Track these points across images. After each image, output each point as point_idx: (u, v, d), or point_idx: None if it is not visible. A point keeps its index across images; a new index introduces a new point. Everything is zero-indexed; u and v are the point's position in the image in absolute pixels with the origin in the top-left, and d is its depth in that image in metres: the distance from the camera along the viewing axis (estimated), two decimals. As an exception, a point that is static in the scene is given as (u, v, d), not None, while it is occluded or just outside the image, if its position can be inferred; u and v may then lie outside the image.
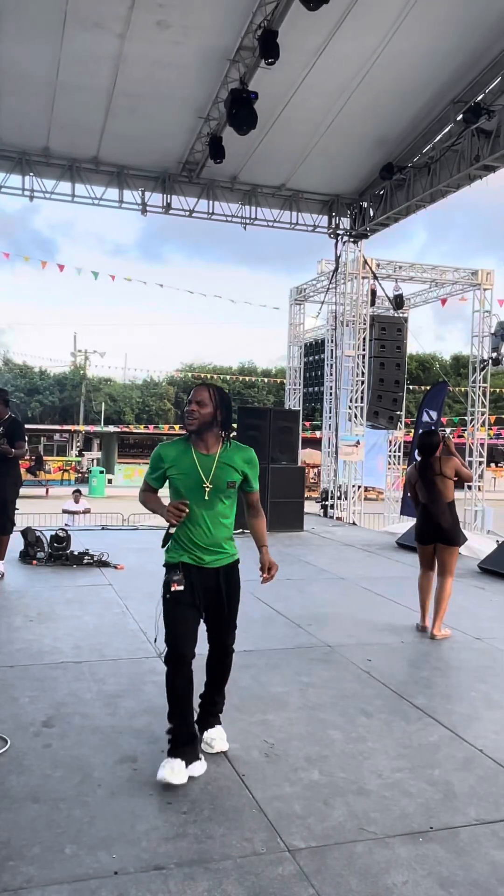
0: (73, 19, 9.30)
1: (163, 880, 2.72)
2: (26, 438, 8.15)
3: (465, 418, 20.33)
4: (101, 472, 39.14)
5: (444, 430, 7.67)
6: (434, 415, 17.49)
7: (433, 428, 7.87)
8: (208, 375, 57.80)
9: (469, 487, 16.28)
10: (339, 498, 16.62)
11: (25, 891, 2.63)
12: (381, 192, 14.09)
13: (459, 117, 11.27)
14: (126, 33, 9.58)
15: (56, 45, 9.81)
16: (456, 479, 6.40)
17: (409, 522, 14.13)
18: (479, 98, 10.87)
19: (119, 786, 3.43)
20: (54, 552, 8.96)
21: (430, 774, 3.67)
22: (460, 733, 4.20)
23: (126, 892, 2.64)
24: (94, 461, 45.87)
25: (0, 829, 3.03)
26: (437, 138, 12.25)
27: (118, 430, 48.17)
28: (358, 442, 16.26)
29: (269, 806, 3.29)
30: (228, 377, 58.84)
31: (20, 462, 8.33)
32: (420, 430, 9.13)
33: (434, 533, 6.40)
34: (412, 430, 18.46)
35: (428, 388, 21.28)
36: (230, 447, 3.78)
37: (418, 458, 6.62)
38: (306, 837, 3.05)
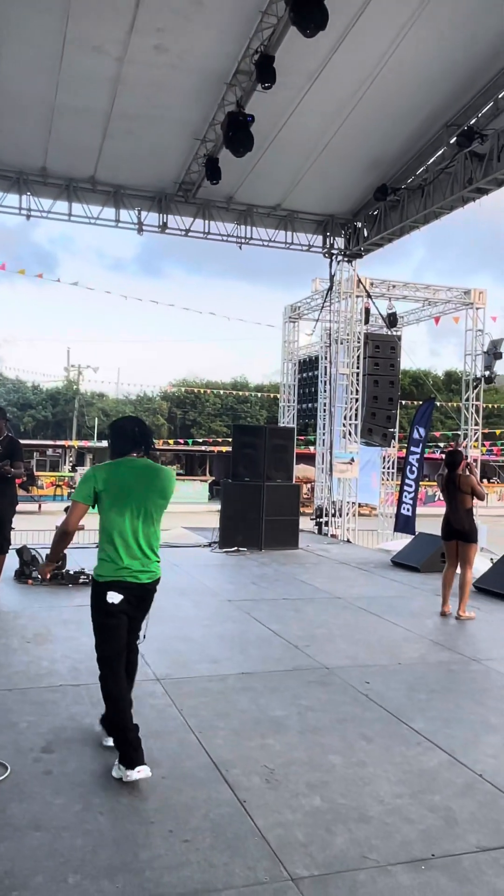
0: (73, 42, 9.39)
1: (167, 911, 2.72)
2: (23, 458, 8.14)
3: (458, 433, 20.42)
4: (95, 487, 39.00)
5: (465, 452, 8.58)
6: (423, 431, 17.60)
7: (457, 447, 8.84)
8: (201, 390, 57.88)
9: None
10: (334, 515, 16.64)
11: (30, 922, 2.63)
12: (375, 213, 14.21)
13: (453, 140, 11.39)
14: (124, 57, 9.67)
15: (55, 67, 9.89)
16: (471, 493, 8.02)
17: (404, 540, 14.17)
18: (471, 122, 11.00)
19: (121, 813, 3.43)
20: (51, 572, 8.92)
21: (431, 800, 3.68)
22: (460, 758, 4.21)
23: (131, 923, 2.64)
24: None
25: (2, 857, 3.02)
26: (431, 161, 12.38)
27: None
28: (352, 459, 16.28)
29: (270, 833, 3.29)
30: (222, 392, 58.90)
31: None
32: (446, 448, 9.48)
33: (454, 533, 8.12)
34: (405, 447, 18.50)
35: (419, 404, 21.38)
36: None
37: (445, 472, 8.36)
38: (309, 865, 3.06)
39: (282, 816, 3.46)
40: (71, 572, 8.96)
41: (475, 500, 8.17)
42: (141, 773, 3.67)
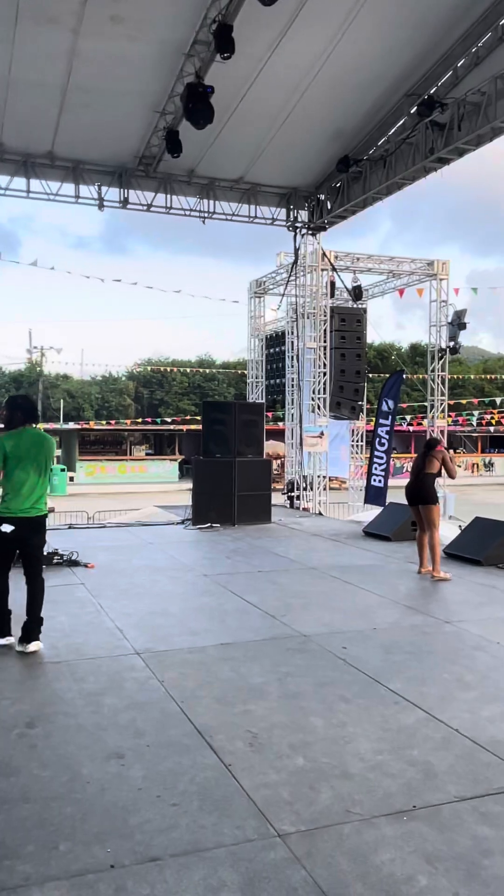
0: (26, 15, 9.18)
1: (159, 871, 2.77)
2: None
3: (425, 405, 20.62)
4: (63, 469, 38.71)
5: (446, 446, 8.83)
6: (391, 403, 17.74)
7: (436, 437, 9.17)
8: (167, 369, 57.52)
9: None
10: (305, 489, 16.77)
11: (24, 888, 2.66)
12: (338, 185, 14.19)
13: (413, 110, 11.42)
14: (80, 28, 9.49)
15: (8, 41, 9.67)
16: (437, 471, 8.55)
17: (375, 511, 14.34)
18: (432, 91, 11.03)
19: (108, 781, 3.46)
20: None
21: (410, 755, 3.78)
22: (436, 715, 4.32)
23: (124, 884, 2.68)
24: (55, 459, 45.33)
25: (-8, 830, 3.05)
26: (392, 131, 12.40)
27: (78, 427, 47.59)
28: (322, 433, 16.39)
29: (256, 793, 3.35)
30: (188, 370, 58.61)
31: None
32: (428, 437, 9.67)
33: (412, 498, 8.68)
34: (373, 420, 18.65)
35: (387, 377, 21.52)
36: None
37: (422, 451, 8.91)
38: (295, 822, 3.12)
39: (266, 777, 3.52)
40: (44, 553, 8.91)
41: (445, 477, 8.53)
42: (6, 640, 5.55)
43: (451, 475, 8.87)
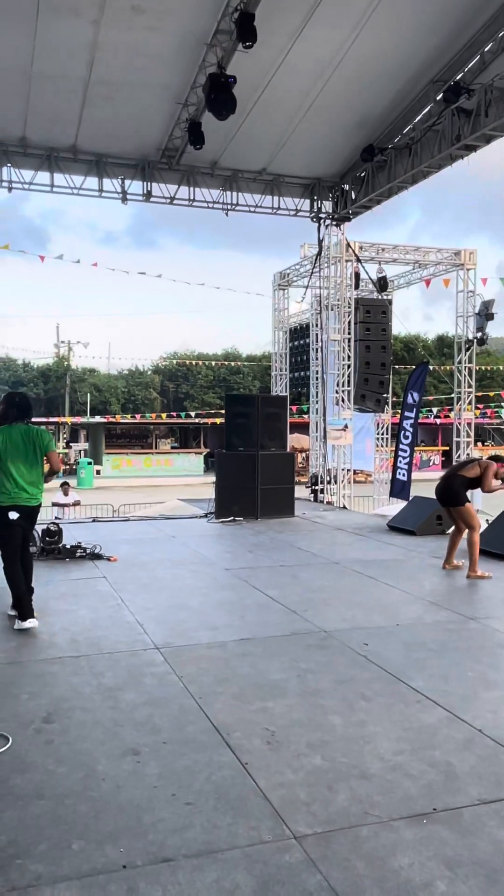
0: (47, 7, 9.17)
1: (171, 872, 2.73)
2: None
3: (452, 397, 20.38)
4: (89, 463, 39.04)
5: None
6: (417, 396, 17.53)
7: (500, 454, 8.69)
8: (193, 363, 57.61)
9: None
10: (329, 482, 16.66)
11: (35, 888, 2.63)
12: (363, 175, 14.02)
13: (439, 97, 11.22)
14: (101, 20, 9.46)
15: (30, 34, 9.67)
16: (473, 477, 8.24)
17: (400, 505, 14.20)
18: (458, 77, 10.82)
19: (123, 779, 3.43)
20: (46, 546, 8.92)
21: (431, 756, 3.70)
22: (459, 714, 4.24)
23: (135, 885, 2.65)
24: (82, 452, 45.67)
25: (6, 827, 3.03)
26: (418, 119, 12.20)
27: (104, 420, 47.93)
28: (346, 426, 16.27)
29: (273, 793, 3.31)
30: (213, 363, 58.65)
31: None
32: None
33: (442, 500, 8.54)
34: (398, 412, 18.47)
35: (413, 368, 21.31)
36: None
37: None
38: (311, 823, 3.07)
39: (283, 777, 3.47)
40: (67, 546, 8.96)
41: (475, 488, 8.27)
42: (29, 623, 5.85)
43: (484, 487, 8.27)
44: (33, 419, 6.41)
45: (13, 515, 5.94)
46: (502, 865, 2.80)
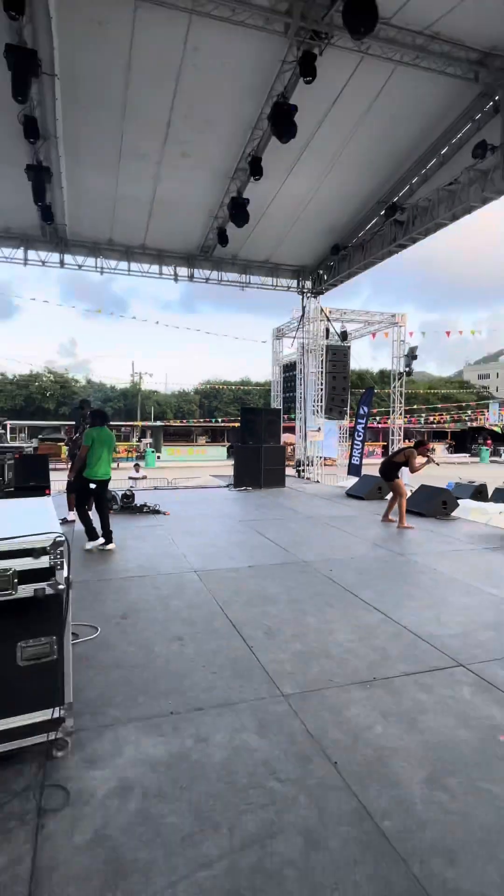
0: (127, 153, 9.07)
1: (201, 716, 2.72)
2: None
3: (388, 409, 20.21)
4: (152, 451, 38.93)
5: (429, 448, 8.08)
6: (366, 409, 17.40)
7: (424, 440, 8.37)
8: (220, 387, 57.37)
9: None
10: (308, 465, 16.57)
11: (112, 727, 2.63)
12: (331, 264, 13.85)
13: (382, 213, 11.05)
14: (161, 161, 9.35)
15: (115, 171, 9.58)
16: (401, 462, 8.11)
17: (353, 480, 14.09)
18: (395, 200, 10.65)
19: (171, 656, 3.43)
20: (124, 504, 8.93)
21: (372, 643, 3.68)
22: (391, 616, 4.21)
23: (178, 725, 2.64)
24: (148, 444, 45.59)
25: (96, 686, 3.03)
26: (368, 227, 12.00)
27: (163, 424, 47.82)
28: (319, 429, 16.17)
29: (269, 667, 3.29)
30: (233, 387, 58.39)
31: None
32: (415, 438, 8.93)
33: (383, 476, 8.34)
34: (354, 419, 18.32)
35: (363, 391, 21.10)
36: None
37: (407, 447, 8.33)
38: (294, 686, 3.06)
39: (276, 656, 3.46)
40: (137, 505, 8.95)
41: (405, 469, 8.15)
42: (93, 544, 6.10)
43: (411, 470, 8.11)
44: (112, 423, 6.50)
45: (92, 485, 6.24)
46: (419, 715, 2.78)
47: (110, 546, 6.17)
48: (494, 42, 7.18)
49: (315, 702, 2.89)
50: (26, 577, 2.27)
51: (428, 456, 8.21)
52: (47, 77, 7.25)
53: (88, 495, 6.31)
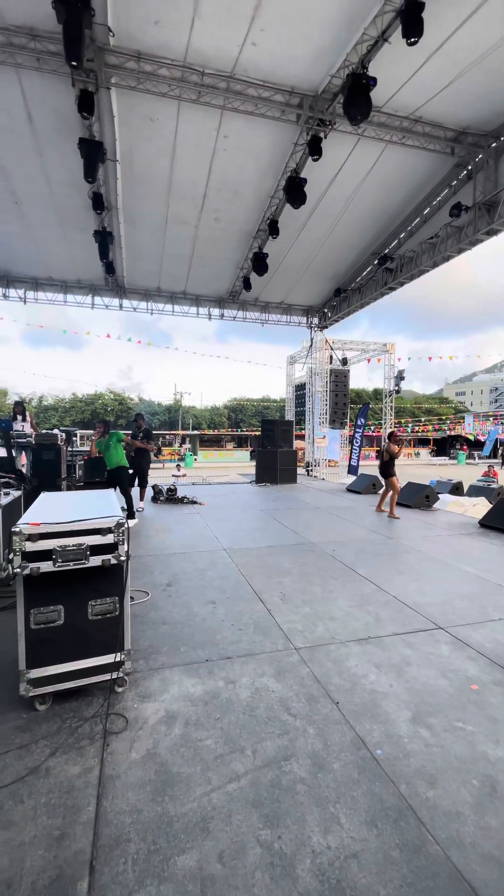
0: (172, 220, 9.25)
1: (230, 664, 2.75)
2: (154, 439, 8.17)
3: (381, 421, 19.99)
4: (191, 454, 39.23)
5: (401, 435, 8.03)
6: (363, 420, 17.24)
7: (392, 430, 8.22)
8: (245, 402, 57.49)
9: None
10: (315, 465, 16.48)
11: (160, 670, 2.69)
12: (334, 304, 13.82)
13: (375, 262, 10.99)
14: (198, 225, 9.51)
15: (162, 233, 9.78)
16: (390, 458, 7.91)
17: (352, 478, 13.96)
18: (386, 251, 10.58)
19: (206, 616, 3.46)
20: (169, 497, 9.02)
21: (367, 609, 3.65)
22: (383, 587, 4.17)
23: (212, 670, 2.68)
24: (187, 449, 45.96)
25: (148, 638, 3.09)
26: (364, 273, 11.95)
27: (200, 433, 48.20)
28: (324, 436, 16.08)
29: (284, 626, 3.30)
30: (256, 403, 58.50)
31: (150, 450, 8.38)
32: (388, 432, 8.75)
33: (380, 474, 8.05)
34: (353, 429, 18.17)
35: (360, 406, 20.92)
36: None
37: (384, 445, 8.16)
38: (304, 642, 3.06)
39: (289, 617, 3.46)
40: (180, 497, 9.04)
41: (392, 458, 8.07)
42: (131, 522, 5.88)
43: (393, 457, 8.10)
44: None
45: (105, 476, 6.39)
46: (405, 667, 2.76)
47: (131, 522, 6.30)
48: (467, 123, 7.12)
49: (321, 654, 2.90)
50: (95, 550, 2.35)
51: (400, 441, 8.18)
52: (111, 162, 7.49)
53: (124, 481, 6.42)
